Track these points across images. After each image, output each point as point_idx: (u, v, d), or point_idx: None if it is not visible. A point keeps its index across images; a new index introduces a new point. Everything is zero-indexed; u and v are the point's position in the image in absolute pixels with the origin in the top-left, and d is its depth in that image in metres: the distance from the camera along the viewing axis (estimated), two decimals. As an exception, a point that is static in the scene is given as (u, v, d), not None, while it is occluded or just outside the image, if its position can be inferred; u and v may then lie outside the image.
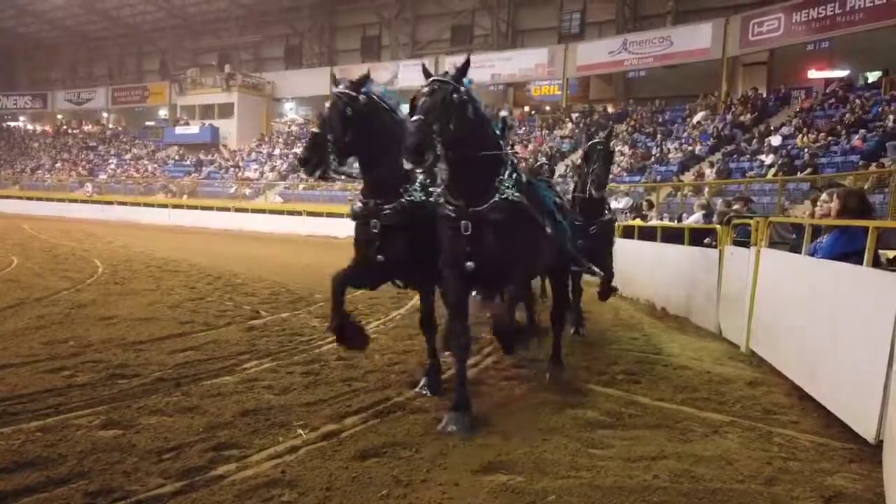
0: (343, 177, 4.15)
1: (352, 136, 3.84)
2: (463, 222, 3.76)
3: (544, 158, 21.11)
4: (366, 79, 4.03)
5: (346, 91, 3.92)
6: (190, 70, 38.97)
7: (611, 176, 8.78)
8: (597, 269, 5.67)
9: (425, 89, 3.56)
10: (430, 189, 4.19)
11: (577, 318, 6.72)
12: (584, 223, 6.41)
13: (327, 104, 3.94)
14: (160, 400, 4.13)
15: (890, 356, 3.41)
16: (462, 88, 3.63)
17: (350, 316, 4.31)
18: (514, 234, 3.82)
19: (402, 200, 4.10)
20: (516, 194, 3.85)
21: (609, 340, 6.46)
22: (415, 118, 3.41)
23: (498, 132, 4.01)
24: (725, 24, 24.64)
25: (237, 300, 8.34)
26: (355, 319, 4.41)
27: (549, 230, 4.16)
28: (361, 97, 3.92)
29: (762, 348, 5.74)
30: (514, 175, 3.94)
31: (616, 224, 7.52)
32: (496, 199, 3.78)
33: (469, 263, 3.78)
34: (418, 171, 3.28)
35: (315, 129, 3.90)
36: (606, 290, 6.95)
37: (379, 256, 4.14)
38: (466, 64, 3.72)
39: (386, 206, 4.09)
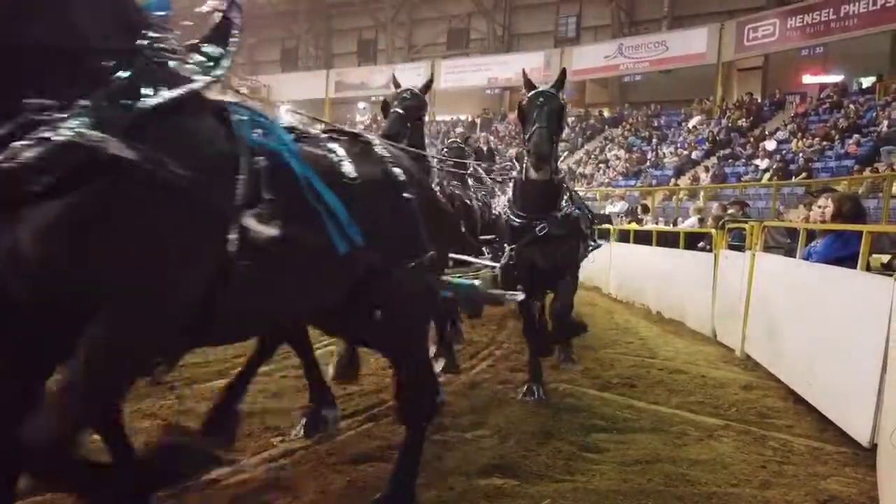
0: None
1: None
2: None
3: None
4: None
5: None
6: (185, 72, 38.87)
7: (595, 170, 7.74)
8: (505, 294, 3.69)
9: None
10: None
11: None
12: (526, 221, 4.27)
13: None
14: (154, 403, 4.10)
15: (884, 360, 3.41)
16: None
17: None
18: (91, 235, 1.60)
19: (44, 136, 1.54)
20: (83, 132, 1.54)
21: (604, 344, 6.46)
22: None
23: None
24: (720, 29, 24.70)
25: (232, 303, 8.29)
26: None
27: (266, 230, 1.90)
28: None
29: (757, 352, 5.76)
30: (128, 89, 1.68)
31: (588, 223, 5.27)
32: (28, 142, 1.51)
33: None
34: None
35: None
36: (555, 336, 4.70)
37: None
38: None
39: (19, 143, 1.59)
